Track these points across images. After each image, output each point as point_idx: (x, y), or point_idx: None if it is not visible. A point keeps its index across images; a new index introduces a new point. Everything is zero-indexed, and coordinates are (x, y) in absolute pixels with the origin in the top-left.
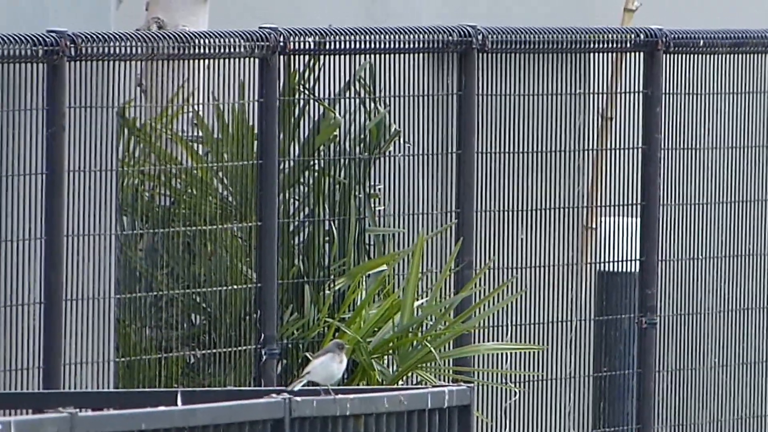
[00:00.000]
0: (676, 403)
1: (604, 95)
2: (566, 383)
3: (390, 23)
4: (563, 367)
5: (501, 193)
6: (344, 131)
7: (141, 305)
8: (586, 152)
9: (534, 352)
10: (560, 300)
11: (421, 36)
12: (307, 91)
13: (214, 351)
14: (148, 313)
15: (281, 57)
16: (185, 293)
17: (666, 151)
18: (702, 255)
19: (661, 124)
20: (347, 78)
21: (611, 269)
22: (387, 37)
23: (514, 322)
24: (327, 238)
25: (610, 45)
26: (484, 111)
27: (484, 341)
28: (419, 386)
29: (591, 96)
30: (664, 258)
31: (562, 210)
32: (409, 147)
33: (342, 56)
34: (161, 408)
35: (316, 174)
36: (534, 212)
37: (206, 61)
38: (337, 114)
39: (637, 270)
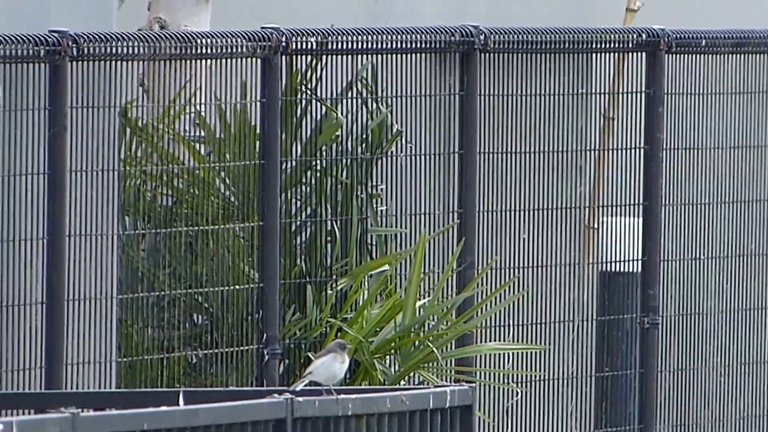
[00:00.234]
0: (678, 403)
1: (607, 95)
2: (568, 383)
3: (390, 23)
4: (565, 367)
5: (503, 193)
6: (346, 131)
7: (143, 305)
8: (588, 152)
9: (536, 352)
10: (562, 300)
11: (423, 36)
12: (309, 91)
13: (216, 351)
14: (150, 313)
15: (283, 57)
16: (187, 293)
17: (668, 151)
18: (704, 255)
19: (663, 124)
20: (349, 78)
21: (613, 269)
22: (389, 37)
23: (516, 322)
24: (329, 238)
25: (612, 45)
26: (486, 111)
27: (486, 341)
28: (421, 386)
29: (593, 96)
30: (666, 258)
31: (564, 210)
32: (411, 147)
33: (344, 56)
34: (163, 408)
35: (318, 174)
36: (536, 212)
37: (208, 61)
38: (339, 114)
39: (639, 270)
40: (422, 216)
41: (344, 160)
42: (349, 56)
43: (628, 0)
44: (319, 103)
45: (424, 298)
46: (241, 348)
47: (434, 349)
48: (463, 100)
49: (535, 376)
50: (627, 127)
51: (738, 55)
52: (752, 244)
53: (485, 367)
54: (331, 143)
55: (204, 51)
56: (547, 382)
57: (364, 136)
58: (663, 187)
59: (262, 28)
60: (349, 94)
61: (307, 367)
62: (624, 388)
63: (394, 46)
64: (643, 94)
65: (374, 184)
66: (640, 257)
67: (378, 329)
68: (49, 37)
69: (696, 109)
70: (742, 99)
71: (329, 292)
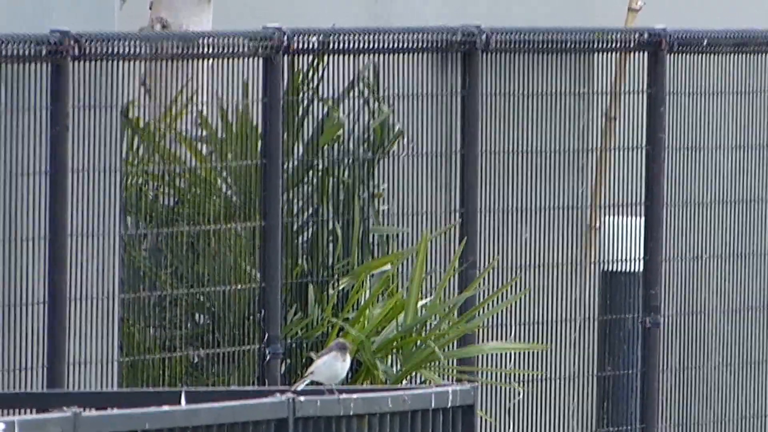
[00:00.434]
0: (680, 403)
1: (608, 95)
2: (570, 383)
3: (391, 24)
4: (567, 366)
5: (505, 193)
6: (348, 131)
7: (145, 305)
8: (590, 152)
9: (538, 352)
10: (564, 299)
11: (425, 36)
12: (310, 91)
13: (218, 351)
14: (152, 313)
15: (285, 56)
16: (189, 293)
17: (670, 151)
18: (706, 255)
19: (664, 124)
20: (351, 78)
21: (615, 269)
22: (391, 36)
23: (517, 322)
24: (331, 238)
25: (613, 45)
26: (488, 111)
27: (487, 341)
28: (423, 386)
29: (595, 96)
30: (667, 258)
31: (565, 210)
32: (412, 147)
33: (346, 56)
34: (165, 408)
35: (319, 174)
36: (538, 212)
37: (210, 60)
38: (341, 114)
39: (641, 270)
40: (424, 215)
41: (346, 160)
42: (351, 56)
43: (630, 0)
44: (321, 103)
45: (425, 297)
46: (243, 347)
47: (436, 348)
48: (464, 100)
49: (537, 376)
50: (629, 126)
51: (739, 55)
52: (754, 243)
53: (487, 366)
54: (333, 143)
55: (206, 50)
56: (548, 381)
57: (366, 136)
58: (665, 186)
59: (264, 27)
60: (351, 94)
61: (308, 367)
62: (626, 387)
63: (396, 45)
64: (644, 94)
65: (376, 183)
66: (641, 257)
67: (380, 329)
68: (51, 37)
69: (698, 109)
70: (743, 99)
71: (331, 291)
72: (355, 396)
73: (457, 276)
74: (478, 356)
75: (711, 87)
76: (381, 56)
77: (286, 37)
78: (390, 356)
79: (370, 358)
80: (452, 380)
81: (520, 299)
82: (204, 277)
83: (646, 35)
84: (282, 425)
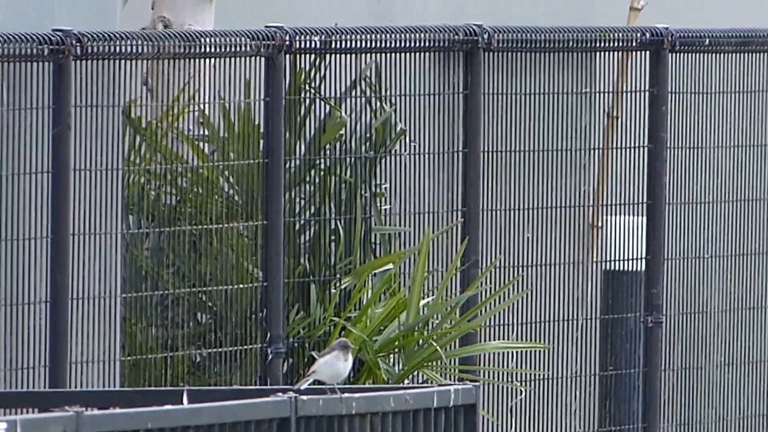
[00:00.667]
0: (682, 402)
1: (610, 94)
2: (572, 382)
3: (391, 24)
4: (569, 365)
5: (507, 192)
6: (350, 130)
7: (147, 304)
8: (592, 151)
9: (540, 351)
10: (566, 299)
11: (427, 35)
12: (313, 90)
13: (220, 350)
14: (154, 312)
15: (287, 56)
16: (191, 292)
17: (672, 150)
18: (708, 254)
19: (666, 123)
20: (353, 77)
21: (617, 268)
22: (393, 36)
23: (519, 321)
24: (333, 237)
25: (615, 44)
26: (490, 110)
27: (489, 340)
28: (425, 385)
29: (597, 95)
30: (670, 257)
31: (567, 209)
32: (414, 146)
33: (348, 55)
34: (167, 407)
35: (322, 173)
36: (540, 211)
37: (212, 60)
38: (343, 113)
39: (643, 269)
40: (426, 215)
41: (348, 159)
42: (353, 55)
43: None
44: (323, 102)
45: (427, 296)
46: (245, 347)
47: (438, 347)
48: (466, 99)
49: (539, 375)
50: (631, 125)
51: (742, 54)
52: (756, 242)
53: (489, 365)
54: (335, 142)
55: (208, 50)
56: (550, 380)
57: (368, 135)
58: (667, 185)
59: (266, 27)
60: (353, 93)
61: (310, 366)
62: (628, 386)
63: (398, 45)
64: (646, 93)
65: (378, 182)
66: (643, 256)
67: (382, 328)
68: (53, 36)
69: (699, 108)
70: (745, 98)
71: (333, 290)
72: (357, 395)
73: (459, 275)
74: (480, 355)
75: (713, 86)
76: (383, 55)
77: (288, 37)
78: (392, 355)
79: (372, 358)
80: (454, 379)
81: (522, 298)
82: (206, 277)
83: (648, 34)
84: (284, 424)
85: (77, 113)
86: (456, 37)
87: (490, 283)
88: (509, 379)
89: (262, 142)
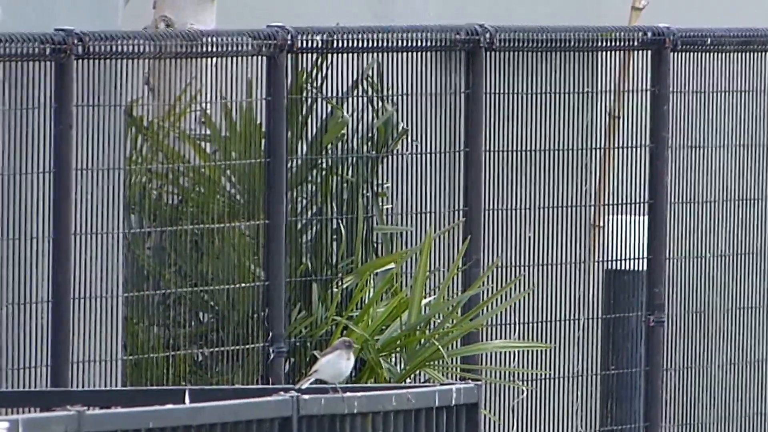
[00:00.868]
0: (684, 402)
1: (612, 93)
2: (574, 381)
3: (391, 23)
4: (571, 365)
5: (509, 192)
6: (352, 129)
7: (149, 303)
8: (593, 150)
9: (542, 350)
10: (568, 298)
11: (428, 34)
12: (314, 90)
13: (222, 349)
14: (156, 312)
15: (289, 55)
16: (193, 291)
17: (673, 150)
18: (710, 253)
19: (668, 123)
20: (355, 76)
21: (619, 267)
22: (395, 35)
23: (521, 320)
24: (335, 237)
25: (617, 43)
26: (492, 109)
27: (491, 339)
28: (427, 384)
29: (599, 94)
30: (671, 256)
31: (569, 208)
32: (416, 145)
33: (350, 54)
34: (169, 406)
35: (323, 172)
36: (542, 210)
37: (214, 59)
38: (345, 112)
39: (645, 268)
40: (428, 214)
41: (350, 159)
42: (355, 54)
43: None
44: (324, 102)
45: (429, 296)
46: (247, 346)
47: (440, 347)
48: (468, 99)
49: (541, 374)
50: (632, 125)
51: (743, 53)
52: (758, 242)
53: (491, 365)
54: (337, 141)
55: (209, 49)
56: (552, 380)
57: (370, 135)
58: (668, 185)
59: (268, 26)
60: (355, 93)
61: (312, 365)
62: (629, 386)
63: (399, 44)
64: (648, 93)
65: (380, 182)
66: (645, 255)
67: (384, 327)
68: (55, 36)
69: (701, 108)
70: (747, 97)
71: (335, 290)
72: (359, 394)
73: (460, 274)
74: (481, 354)
75: (715, 85)
76: (385, 55)
77: (290, 36)
78: (394, 354)
79: (374, 357)
80: (456, 379)
81: (524, 298)
82: (208, 276)
83: (649, 34)
84: (286, 423)
85: (79, 113)
86: (458, 36)
87: (492, 283)
88: (511, 378)
89: (263, 141)
